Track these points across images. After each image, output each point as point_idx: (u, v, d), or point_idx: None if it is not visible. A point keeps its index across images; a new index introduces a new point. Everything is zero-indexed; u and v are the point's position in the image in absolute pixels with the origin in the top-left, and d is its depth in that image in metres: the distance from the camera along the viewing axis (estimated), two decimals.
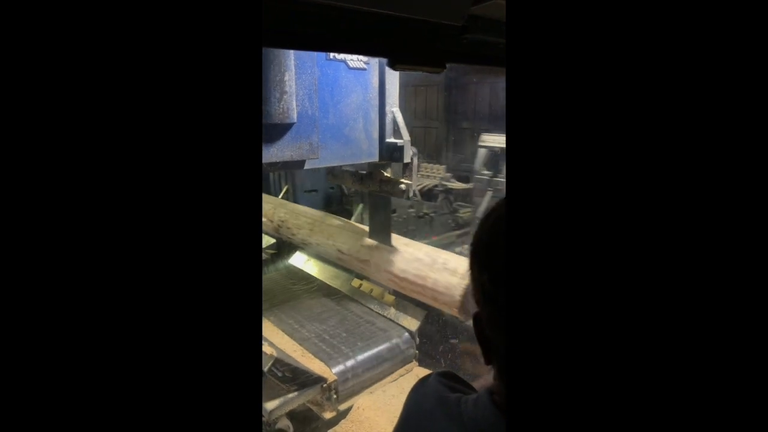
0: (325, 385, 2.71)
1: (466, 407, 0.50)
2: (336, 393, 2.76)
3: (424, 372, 3.26)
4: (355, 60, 2.61)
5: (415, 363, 3.18)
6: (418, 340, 3.25)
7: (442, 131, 6.90)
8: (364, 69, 2.67)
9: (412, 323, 3.25)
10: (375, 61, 2.68)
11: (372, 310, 3.44)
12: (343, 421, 2.78)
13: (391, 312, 3.39)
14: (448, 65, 0.94)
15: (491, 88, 6.49)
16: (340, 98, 2.61)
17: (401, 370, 3.06)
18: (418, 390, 0.60)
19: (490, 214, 0.51)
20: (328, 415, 2.76)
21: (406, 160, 2.70)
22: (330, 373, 2.76)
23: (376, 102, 2.74)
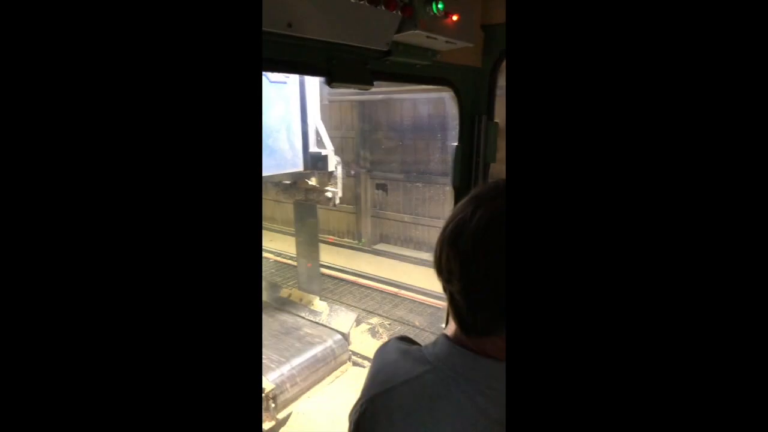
0: (262, 395, 2.71)
1: (427, 349, 0.62)
2: (274, 402, 2.77)
3: (358, 371, 3.38)
4: (274, 74, 2.69)
5: (349, 363, 3.29)
6: (350, 341, 3.37)
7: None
8: (284, 82, 2.77)
9: (344, 325, 3.37)
10: (294, 76, 2.78)
11: (303, 317, 3.49)
12: (283, 428, 2.80)
13: (323, 317, 3.47)
14: (375, 82, 1.10)
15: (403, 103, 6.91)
16: (263, 110, 2.67)
17: (337, 372, 3.15)
18: (381, 351, 0.71)
19: (459, 206, 0.59)
20: (267, 425, 2.76)
21: (330, 168, 2.84)
22: (267, 382, 2.77)
23: (298, 114, 2.83)
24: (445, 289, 0.55)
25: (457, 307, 0.53)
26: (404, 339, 0.69)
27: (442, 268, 0.53)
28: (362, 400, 0.60)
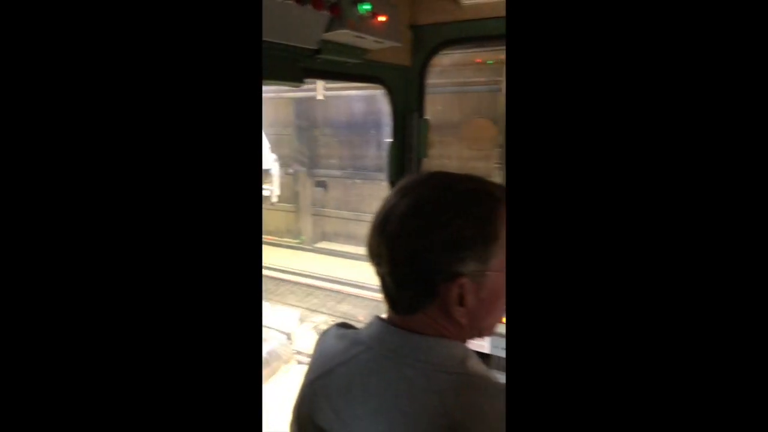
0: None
1: (362, 331, 0.65)
2: None
3: (303, 370, 3.37)
4: None
5: (294, 362, 3.26)
6: (293, 341, 3.34)
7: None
8: None
9: (287, 325, 3.33)
10: None
11: None
12: None
13: (264, 318, 3.41)
14: (305, 80, 1.11)
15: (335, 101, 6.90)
16: None
17: (281, 372, 3.12)
18: (320, 339, 0.73)
19: (388, 196, 0.62)
20: None
21: (266, 166, 2.79)
22: None
23: None
24: (377, 273, 0.58)
25: (387, 288, 0.57)
26: (343, 326, 0.72)
27: (373, 253, 0.57)
28: (302, 386, 0.62)
